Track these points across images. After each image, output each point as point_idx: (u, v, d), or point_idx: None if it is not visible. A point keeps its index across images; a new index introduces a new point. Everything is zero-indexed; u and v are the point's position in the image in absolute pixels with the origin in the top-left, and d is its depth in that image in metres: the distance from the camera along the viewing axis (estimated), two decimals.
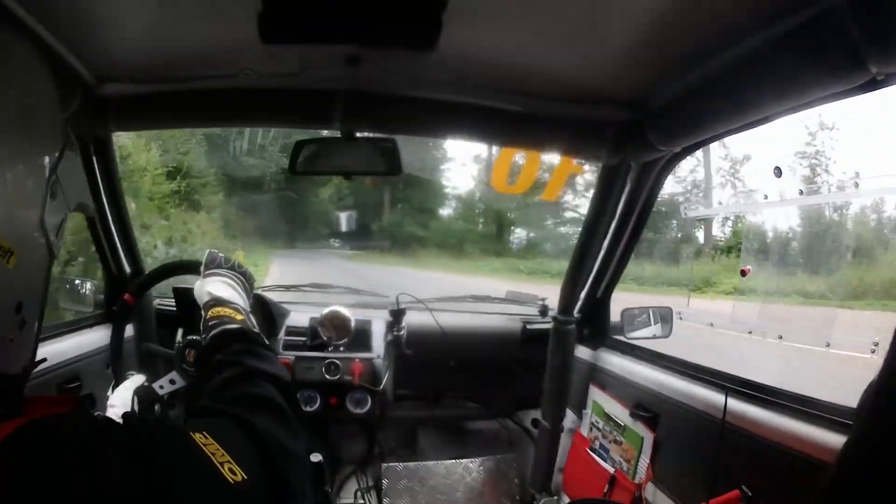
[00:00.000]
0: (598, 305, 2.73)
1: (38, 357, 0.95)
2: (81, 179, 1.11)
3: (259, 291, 2.73)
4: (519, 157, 2.81)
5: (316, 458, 2.05)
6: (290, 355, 2.61)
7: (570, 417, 2.82)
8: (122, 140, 8.44)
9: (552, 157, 2.58)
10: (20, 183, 0.84)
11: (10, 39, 0.90)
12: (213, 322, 1.40)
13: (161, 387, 2.00)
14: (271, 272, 13.32)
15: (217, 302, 1.50)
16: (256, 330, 1.40)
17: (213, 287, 1.57)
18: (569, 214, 17.73)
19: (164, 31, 1.64)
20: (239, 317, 1.43)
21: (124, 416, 1.05)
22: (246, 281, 1.69)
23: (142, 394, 1.89)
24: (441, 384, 3.11)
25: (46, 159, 0.90)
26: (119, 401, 1.82)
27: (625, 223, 2.39)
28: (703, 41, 1.48)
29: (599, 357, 2.65)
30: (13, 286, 0.83)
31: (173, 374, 2.02)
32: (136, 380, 1.95)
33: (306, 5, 1.40)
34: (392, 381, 2.76)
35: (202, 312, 1.49)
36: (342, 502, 2.98)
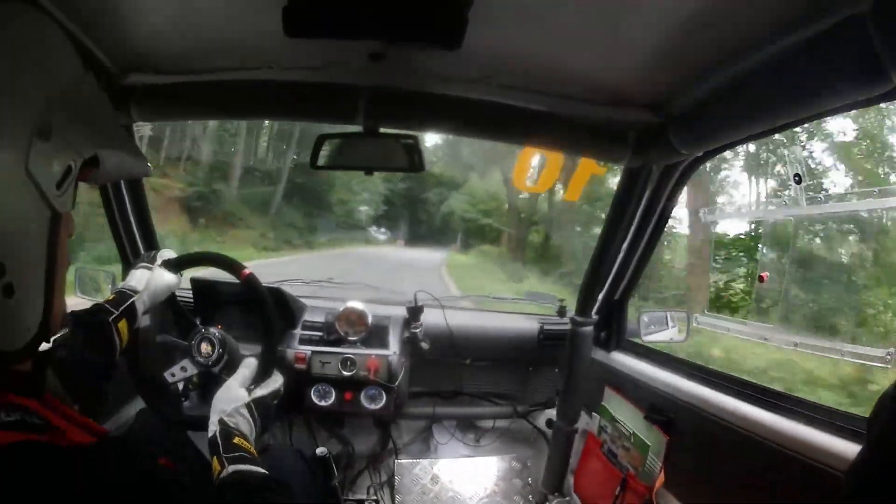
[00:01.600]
0: (616, 307, 2.72)
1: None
2: (102, 126, 0.97)
3: (277, 285, 2.76)
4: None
5: (322, 451, 2.05)
6: (306, 349, 2.63)
7: (584, 419, 2.81)
8: None
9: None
10: None
11: None
12: (235, 456, 1.33)
13: (173, 374, 2.02)
14: None
15: (234, 432, 1.43)
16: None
17: (233, 420, 1.51)
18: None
19: (189, 23, 1.65)
20: (257, 456, 1.38)
21: None
22: (259, 426, 1.63)
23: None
24: (456, 382, 3.11)
25: (32, 96, 0.79)
26: (149, 288, 1.86)
27: (644, 226, 2.38)
28: (725, 47, 1.47)
29: (615, 359, 2.65)
30: None
31: (185, 362, 2.04)
32: (177, 282, 2.00)
33: (332, 0, 1.41)
34: (407, 377, 2.77)
35: (215, 427, 1.45)
36: (355, 497, 2.99)
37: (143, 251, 2.58)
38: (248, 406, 1.55)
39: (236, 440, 1.38)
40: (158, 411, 2.03)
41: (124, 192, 2.40)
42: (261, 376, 1.71)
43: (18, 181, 0.76)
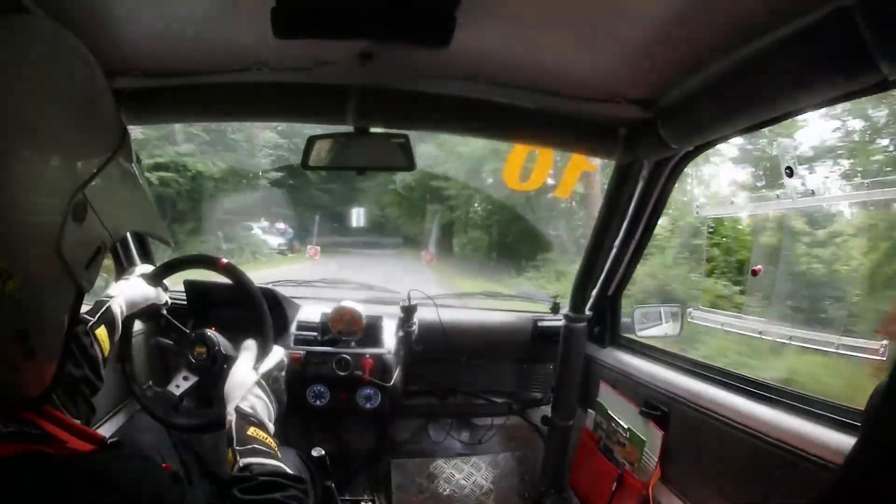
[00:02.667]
0: (609, 303, 2.73)
1: None
2: (134, 205, 1.00)
3: (270, 286, 2.75)
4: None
5: (318, 452, 2.06)
6: (301, 350, 2.62)
7: (579, 415, 2.82)
8: None
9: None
10: (27, 197, 0.75)
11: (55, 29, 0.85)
12: (248, 448, 1.31)
13: (178, 386, 2.04)
14: None
15: (251, 420, 1.42)
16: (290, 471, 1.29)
17: (247, 403, 1.50)
18: None
19: (178, 25, 1.64)
20: (273, 445, 1.37)
21: None
22: (275, 401, 1.61)
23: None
24: (451, 380, 3.11)
25: (69, 176, 0.80)
26: (126, 294, 1.87)
27: (636, 221, 2.39)
28: (715, 40, 1.47)
29: (610, 355, 2.66)
30: (11, 313, 0.76)
31: (185, 372, 2.05)
32: (157, 292, 2.01)
33: (320, 0, 1.41)
34: (402, 376, 2.77)
35: (231, 416, 1.44)
36: (351, 497, 2.99)
37: (138, 261, 2.59)
38: (258, 384, 1.54)
39: (251, 431, 1.37)
40: (159, 418, 2.04)
41: None
42: (262, 353, 1.71)
43: (48, 261, 0.78)
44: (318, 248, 11.83)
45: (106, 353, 1.67)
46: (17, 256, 0.75)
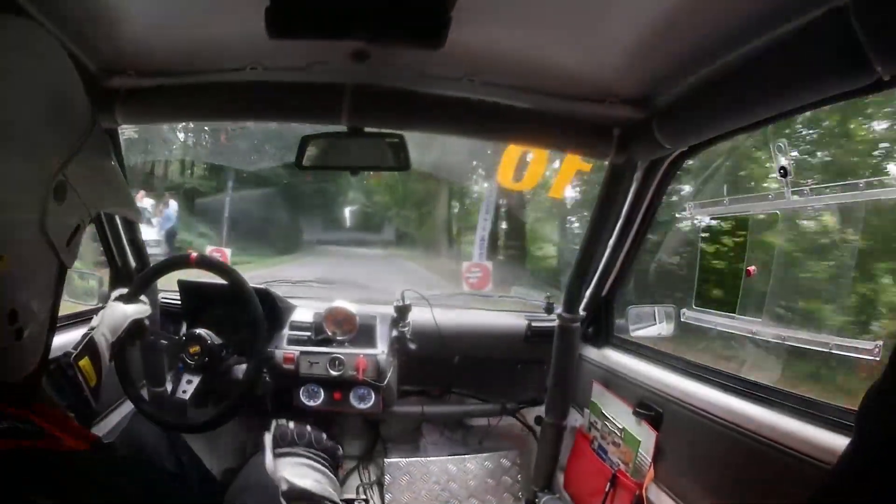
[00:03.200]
0: (604, 304, 2.73)
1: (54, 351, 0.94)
2: (109, 184, 1.06)
3: (264, 286, 2.76)
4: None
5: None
6: (294, 350, 2.62)
7: (573, 415, 2.82)
8: None
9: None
10: (14, 181, 0.80)
11: (29, 28, 0.88)
12: None
13: (184, 391, 2.07)
14: None
15: (302, 496, 1.43)
16: None
17: (291, 472, 1.50)
18: None
19: (172, 25, 1.65)
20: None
21: None
22: (331, 457, 1.59)
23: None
24: (445, 381, 3.11)
25: (50, 157, 0.85)
26: (108, 322, 1.88)
27: (631, 222, 2.39)
28: (709, 41, 1.48)
29: (604, 355, 2.66)
30: (2, 293, 0.80)
31: (187, 376, 2.08)
32: (136, 308, 2.01)
33: (314, 0, 1.40)
34: (396, 376, 2.77)
35: None
36: (345, 497, 2.98)
37: (133, 266, 2.59)
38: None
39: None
40: (156, 420, 2.04)
41: None
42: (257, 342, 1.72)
43: (34, 239, 0.83)
44: (228, 251, 6.46)
45: (92, 384, 1.69)
46: (6, 237, 0.78)
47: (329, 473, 1.57)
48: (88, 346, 1.73)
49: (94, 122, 0.96)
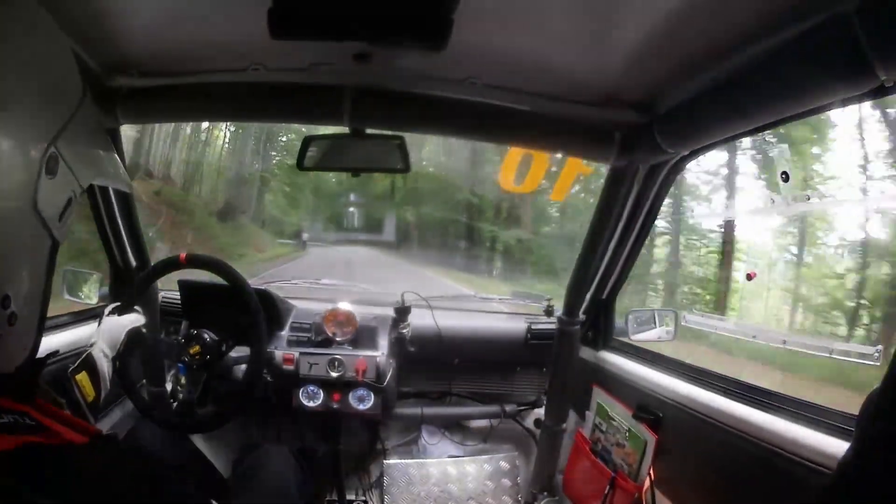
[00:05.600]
0: (603, 307, 2.73)
1: (50, 348, 0.93)
2: (100, 155, 1.05)
3: (264, 286, 2.76)
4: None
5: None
6: (294, 351, 2.61)
7: (572, 418, 2.82)
8: None
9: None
10: (5, 156, 0.77)
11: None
12: None
13: (190, 391, 2.09)
14: None
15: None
16: None
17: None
18: None
19: (174, 25, 1.65)
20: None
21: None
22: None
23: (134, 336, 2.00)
24: (445, 382, 3.11)
25: (42, 130, 0.84)
26: (105, 338, 1.90)
27: (631, 225, 2.39)
28: (712, 45, 1.48)
29: (603, 358, 2.65)
30: None
31: (188, 376, 2.10)
32: (131, 318, 2.02)
33: (316, 1, 1.40)
34: (396, 378, 2.77)
35: None
36: (343, 499, 2.98)
37: (133, 261, 2.59)
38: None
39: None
40: (157, 420, 2.04)
41: (113, 201, 2.37)
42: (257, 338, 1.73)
43: (26, 216, 0.81)
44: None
45: (89, 399, 1.70)
46: None
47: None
48: (86, 362, 1.74)
49: (84, 92, 0.96)
